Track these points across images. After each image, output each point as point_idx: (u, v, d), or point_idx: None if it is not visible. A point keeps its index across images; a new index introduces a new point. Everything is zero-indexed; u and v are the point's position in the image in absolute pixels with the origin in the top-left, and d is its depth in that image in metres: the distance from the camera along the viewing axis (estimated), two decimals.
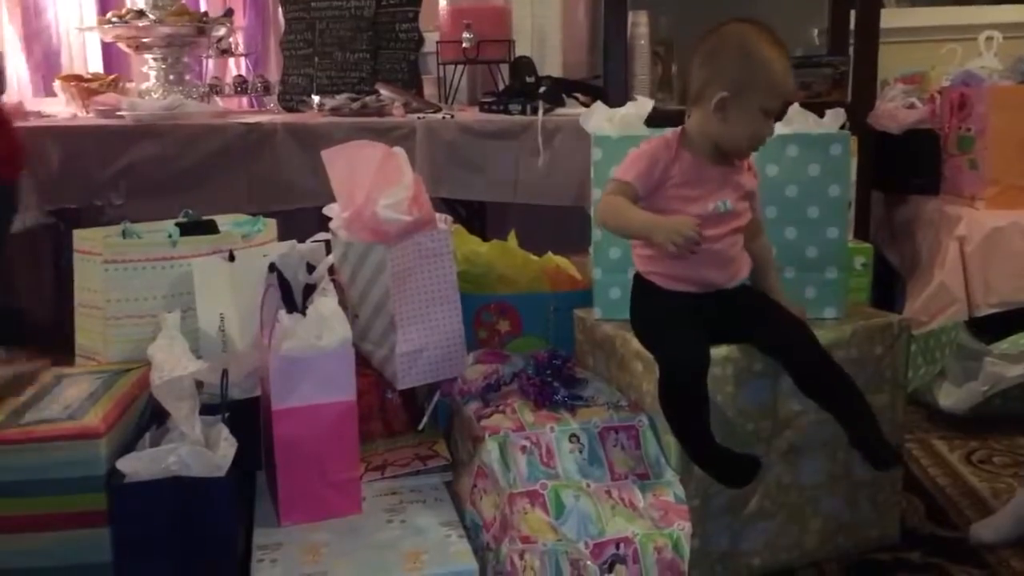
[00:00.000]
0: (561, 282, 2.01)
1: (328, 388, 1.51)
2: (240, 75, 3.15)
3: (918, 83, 2.68)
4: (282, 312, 1.58)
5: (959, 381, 2.24)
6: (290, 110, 2.85)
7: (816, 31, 2.94)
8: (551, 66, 2.91)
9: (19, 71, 3.17)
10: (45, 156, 2.47)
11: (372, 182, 1.65)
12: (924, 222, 2.42)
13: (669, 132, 1.61)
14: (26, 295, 2.97)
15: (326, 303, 1.56)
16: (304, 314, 1.57)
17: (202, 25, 2.86)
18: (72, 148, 2.48)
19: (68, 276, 1.84)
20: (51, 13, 3.20)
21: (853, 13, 2.60)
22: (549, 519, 1.46)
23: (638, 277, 1.66)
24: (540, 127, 2.33)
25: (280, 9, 2.96)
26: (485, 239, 2.12)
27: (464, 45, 2.73)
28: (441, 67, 2.84)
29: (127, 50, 2.96)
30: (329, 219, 1.82)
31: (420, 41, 2.83)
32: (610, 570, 1.43)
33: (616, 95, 2.33)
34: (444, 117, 2.47)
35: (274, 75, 3.09)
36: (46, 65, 3.19)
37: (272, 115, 2.78)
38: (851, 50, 2.57)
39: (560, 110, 2.50)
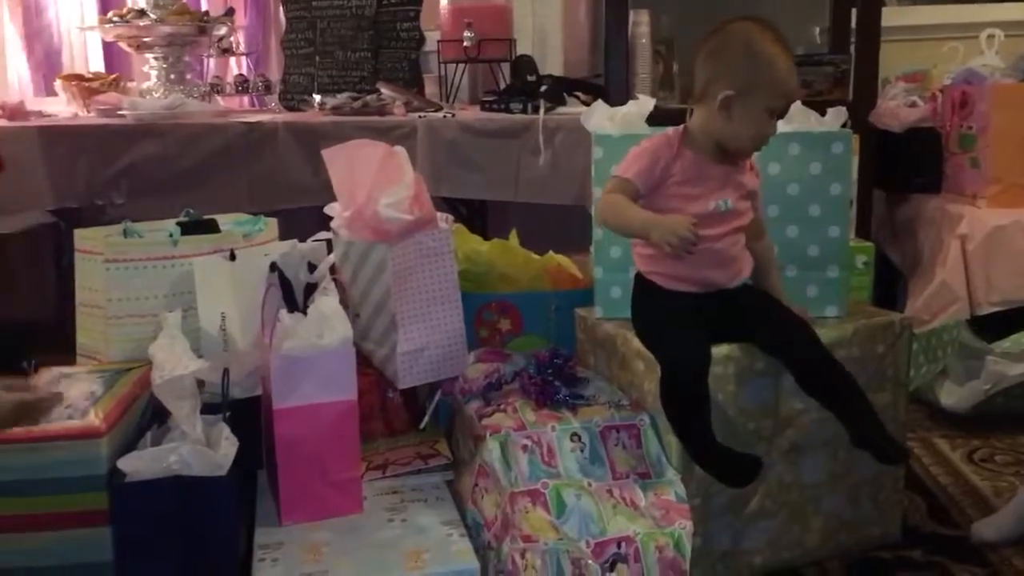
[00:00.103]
0: (562, 281, 2.01)
1: (329, 387, 1.51)
2: (241, 74, 3.15)
3: (920, 81, 2.68)
4: (283, 311, 1.58)
5: (961, 380, 2.24)
6: (291, 109, 2.85)
7: (817, 29, 2.94)
8: (552, 65, 2.91)
9: (20, 70, 3.16)
10: (46, 156, 2.47)
11: (373, 181, 1.65)
12: (926, 221, 2.41)
13: (671, 130, 1.61)
14: (27, 295, 2.97)
15: (327, 302, 1.56)
16: (305, 313, 1.57)
17: (203, 24, 2.85)
18: (73, 148, 2.48)
19: (69, 276, 1.84)
20: (52, 12, 3.19)
21: (854, 11, 2.60)
22: (550, 518, 1.46)
23: (639, 277, 1.65)
24: (541, 126, 2.33)
25: (281, 8, 2.96)
26: (486, 238, 2.12)
27: (465, 44, 2.73)
28: (442, 66, 2.84)
29: (128, 49, 2.96)
30: (330, 218, 1.82)
31: (421, 40, 2.83)
32: (611, 569, 1.43)
33: (617, 94, 2.33)
34: (445, 116, 2.46)
35: (275, 74, 3.09)
36: (47, 64, 3.19)
37: (273, 114, 2.78)
38: (852, 48, 2.56)
39: (561, 109, 2.50)
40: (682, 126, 1.61)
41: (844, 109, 1.81)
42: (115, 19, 2.84)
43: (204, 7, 3.15)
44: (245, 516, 1.55)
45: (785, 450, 1.62)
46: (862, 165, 2.36)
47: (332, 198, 1.80)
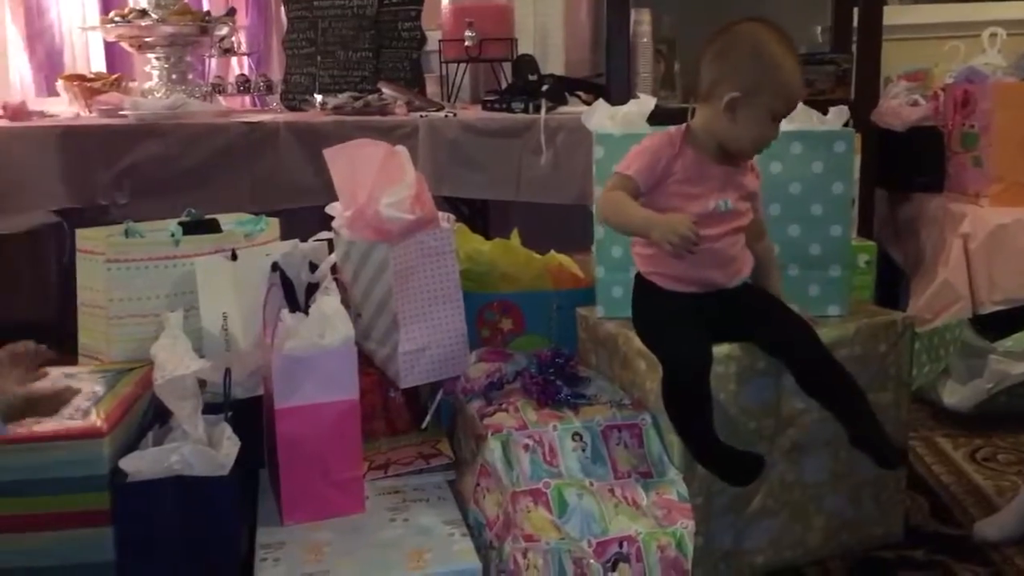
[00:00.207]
0: (564, 280, 2.01)
1: (331, 387, 1.51)
2: (243, 74, 3.15)
3: (921, 80, 2.67)
4: (285, 311, 1.58)
5: (963, 379, 2.24)
6: (293, 109, 2.85)
7: (819, 28, 2.93)
8: (553, 64, 2.91)
9: (22, 71, 3.17)
10: (48, 156, 2.47)
11: (374, 181, 1.65)
12: (928, 219, 2.41)
13: (673, 128, 1.60)
14: (30, 295, 2.98)
15: (328, 302, 1.56)
16: (307, 313, 1.57)
17: (205, 24, 2.85)
18: (76, 148, 2.48)
19: (72, 276, 1.85)
20: (54, 13, 3.19)
21: (856, 10, 2.59)
22: (552, 518, 1.46)
23: (638, 277, 1.65)
24: (543, 125, 2.33)
25: (283, 8, 2.96)
26: (488, 237, 2.12)
27: (466, 43, 2.73)
28: (443, 65, 2.84)
29: (130, 49, 2.96)
30: (332, 218, 1.82)
31: (422, 40, 2.83)
32: (613, 568, 1.43)
33: (618, 93, 2.32)
34: (446, 116, 2.46)
35: (277, 74, 3.09)
36: (49, 65, 3.19)
37: (275, 114, 2.78)
38: (854, 47, 2.56)
39: (562, 108, 2.50)
40: (684, 125, 1.60)
41: (846, 108, 1.81)
42: (117, 19, 2.84)
43: (206, 7, 3.15)
44: (247, 516, 1.55)
45: (787, 449, 1.62)
46: (864, 164, 2.35)
47: (334, 198, 1.80)
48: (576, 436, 1.56)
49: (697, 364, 1.49)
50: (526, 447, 1.53)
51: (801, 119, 1.78)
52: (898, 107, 2.49)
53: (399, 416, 1.77)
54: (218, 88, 3.04)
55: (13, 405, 1.40)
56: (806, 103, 1.79)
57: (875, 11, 2.48)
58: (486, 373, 1.75)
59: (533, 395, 1.66)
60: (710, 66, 1.55)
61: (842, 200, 1.75)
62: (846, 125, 1.78)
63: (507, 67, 2.77)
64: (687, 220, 1.46)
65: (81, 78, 2.95)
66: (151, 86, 2.89)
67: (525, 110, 2.43)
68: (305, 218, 2.09)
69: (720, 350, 1.54)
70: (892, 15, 2.64)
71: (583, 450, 1.55)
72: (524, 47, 2.85)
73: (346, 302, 1.69)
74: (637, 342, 1.63)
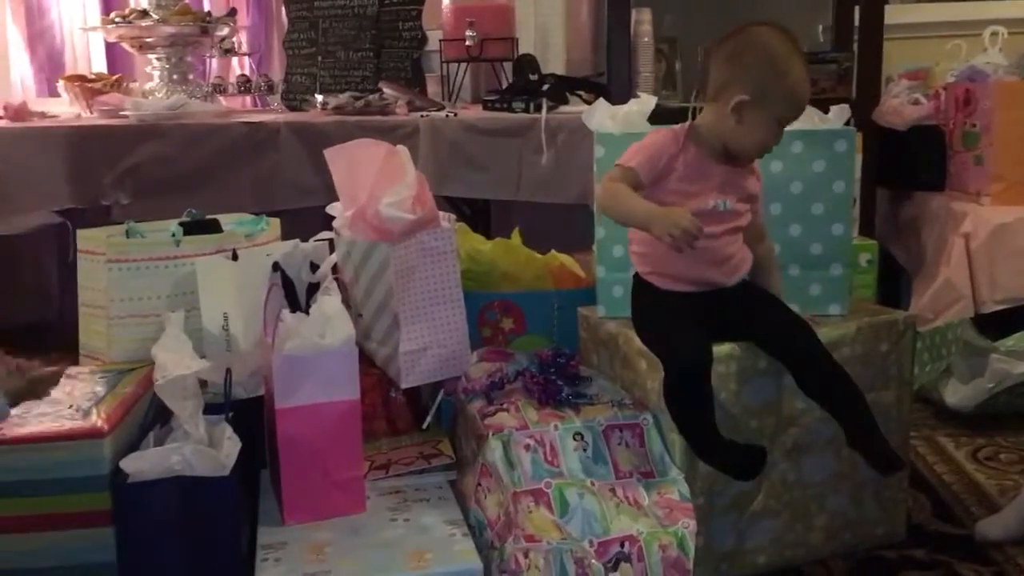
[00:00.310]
0: (565, 280, 2.01)
1: (331, 387, 1.51)
2: (243, 74, 3.15)
3: (923, 79, 2.67)
4: (285, 311, 1.58)
5: (965, 378, 2.24)
6: (293, 109, 2.85)
7: (821, 27, 2.93)
8: (554, 64, 2.90)
9: (23, 71, 3.17)
10: (51, 157, 2.47)
11: (375, 181, 1.65)
12: (929, 218, 2.41)
13: (677, 126, 1.60)
14: (33, 295, 2.98)
15: (329, 302, 1.56)
16: (307, 313, 1.57)
17: (205, 25, 2.85)
18: (77, 149, 2.48)
19: (75, 276, 1.85)
20: (55, 13, 3.20)
21: (857, 9, 2.59)
22: (553, 517, 1.46)
23: (636, 277, 1.65)
24: (543, 125, 2.32)
25: (283, 8, 2.96)
26: (489, 237, 2.12)
27: (467, 43, 2.72)
28: (444, 65, 2.84)
29: (131, 50, 2.96)
30: (332, 218, 1.82)
31: (423, 39, 2.83)
32: (615, 568, 1.43)
33: (619, 92, 2.32)
34: (447, 115, 2.46)
35: (277, 74, 3.09)
36: (50, 65, 3.19)
37: (275, 114, 2.78)
38: (856, 46, 2.56)
39: (563, 108, 2.50)
40: (688, 123, 1.60)
41: (847, 107, 1.80)
42: (117, 20, 2.84)
43: (206, 7, 3.15)
44: (248, 516, 1.55)
45: (788, 449, 1.62)
46: (865, 163, 2.36)
47: (335, 198, 1.80)
48: (577, 436, 1.56)
49: (697, 362, 1.49)
50: (527, 447, 1.53)
51: (802, 118, 1.77)
52: (899, 106, 2.49)
53: (400, 416, 1.77)
54: (219, 88, 3.04)
55: (15, 387, 1.40)
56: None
57: (876, 10, 2.48)
58: (487, 373, 1.75)
59: (534, 395, 1.65)
60: (721, 67, 1.55)
61: (843, 199, 1.75)
62: (847, 124, 1.78)
63: (508, 67, 2.77)
64: (688, 214, 1.45)
65: (82, 79, 2.95)
66: (152, 86, 2.89)
67: (526, 110, 2.43)
68: (306, 218, 2.09)
69: (721, 349, 1.54)
70: (893, 14, 2.64)
71: (584, 450, 1.55)
72: (525, 47, 2.85)
73: (347, 302, 1.69)
74: (638, 342, 1.62)
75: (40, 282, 3.00)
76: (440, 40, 2.82)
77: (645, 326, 1.63)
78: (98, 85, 2.90)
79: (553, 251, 2.07)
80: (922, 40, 2.94)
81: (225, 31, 2.94)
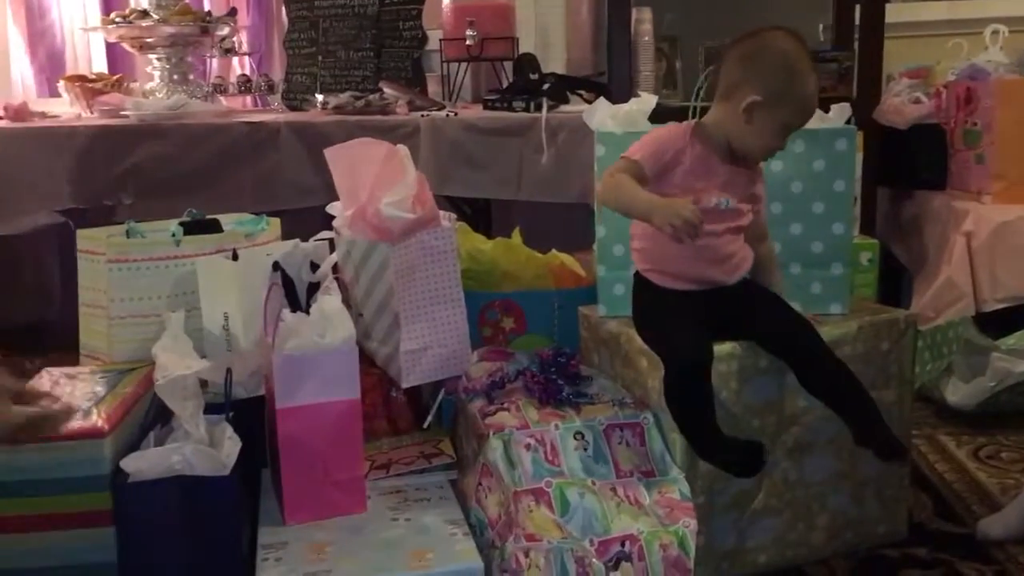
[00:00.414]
0: (565, 279, 2.01)
1: (332, 387, 1.51)
2: (244, 74, 3.15)
3: (924, 77, 2.67)
4: (286, 311, 1.58)
5: (966, 377, 2.23)
6: (294, 109, 2.85)
7: (821, 26, 2.93)
8: (555, 63, 2.90)
9: (23, 71, 3.17)
10: (52, 157, 2.47)
11: (375, 180, 1.65)
12: (930, 217, 2.41)
13: (683, 123, 1.61)
14: (35, 295, 2.98)
15: (330, 301, 1.55)
16: (308, 313, 1.56)
17: (206, 24, 2.86)
18: (79, 149, 2.48)
19: (76, 275, 1.85)
20: (55, 13, 3.20)
21: (858, 7, 2.59)
22: (554, 517, 1.45)
23: (637, 276, 1.65)
24: (544, 124, 2.32)
25: (284, 8, 2.96)
26: (489, 237, 2.11)
27: (467, 43, 2.72)
28: (445, 65, 2.84)
29: (131, 50, 2.96)
30: (333, 217, 1.82)
31: (423, 39, 2.83)
32: (615, 568, 1.43)
33: (620, 92, 2.32)
34: (448, 115, 2.46)
35: (278, 74, 3.09)
36: (50, 65, 3.20)
37: (276, 114, 2.78)
38: (856, 45, 2.56)
39: (564, 107, 2.50)
40: (693, 121, 1.61)
41: (848, 105, 1.80)
42: (118, 20, 2.85)
43: (207, 7, 3.15)
44: (248, 516, 1.54)
45: (790, 448, 1.62)
46: (866, 162, 2.36)
47: (335, 197, 1.80)
48: (578, 435, 1.56)
49: (697, 361, 1.48)
50: (528, 446, 1.53)
51: None
52: (900, 104, 2.49)
53: (401, 416, 1.77)
54: (219, 88, 3.04)
55: (13, 424, 1.38)
56: None
57: (877, 8, 2.48)
58: (488, 372, 1.74)
59: (535, 394, 1.65)
60: (735, 67, 1.55)
61: (844, 198, 1.75)
62: (848, 123, 1.78)
63: (508, 66, 2.77)
64: (691, 204, 1.45)
65: (82, 79, 2.95)
66: (152, 86, 2.89)
67: (526, 109, 2.43)
68: (306, 218, 2.09)
69: (722, 348, 1.54)
70: (894, 12, 2.64)
71: (585, 449, 1.55)
72: (525, 46, 2.85)
73: (347, 301, 1.69)
74: (639, 341, 1.62)
75: (41, 282, 3.00)
76: (440, 39, 2.82)
77: (646, 324, 1.63)
78: (99, 85, 2.90)
79: (554, 250, 2.07)
80: (923, 38, 2.93)
81: (225, 31, 2.94)
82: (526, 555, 1.40)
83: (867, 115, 2.44)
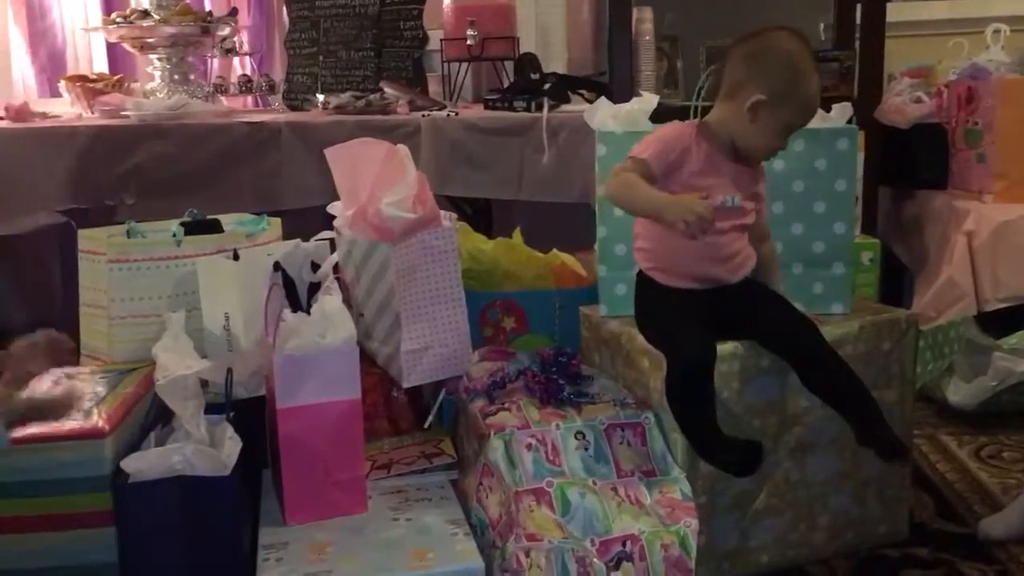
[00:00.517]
0: (566, 279, 2.01)
1: (333, 387, 1.51)
2: (245, 74, 3.15)
3: (925, 77, 2.66)
4: (286, 311, 1.58)
5: (968, 376, 2.23)
6: (295, 109, 2.85)
7: (822, 25, 2.92)
8: (556, 63, 2.90)
9: (24, 72, 3.17)
10: (54, 157, 2.47)
11: (375, 180, 1.65)
12: (932, 217, 2.40)
13: (687, 122, 1.62)
14: (37, 295, 2.98)
15: (330, 301, 1.55)
16: (308, 313, 1.56)
17: (206, 25, 2.85)
18: (80, 149, 2.48)
19: (77, 275, 1.85)
20: (56, 13, 3.20)
21: (859, 7, 2.59)
22: (555, 517, 1.45)
23: (640, 275, 1.65)
24: (545, 124, 2.32)
25: (284, 8, 2.96)
26: (490, 236, 2.11)
27: (468, 42, 2.72)
28: (445, 64, 2.84)
29: (132, 50, 2.96)
30: (333, 217, 1.82)
31: (424, 39, 2.82)
32: (616, 568, 1.43)
33: (621, 91, 2.32)
34: (448, 115, 2.46)
35: (279, 74, 3.08)
36: (51, 66, 3.19)
37: (277, 114, 2.78)
38: (857, 44, 2.55)
39: (565, 107, 2.49)
40: (697, 120, 1.62)
41: (849, 105, 1.80)
42: (119, 20, 2.84)
43: (207, 7, 3.15)
44: (249, 516, 1.54)
45: (792, 448, 1.61)
46: (867, 161, 2.35)
47: (336, 197, 1.80)
48: (579, 435, 1.56)
49: (701, 359, 1.49)
50: (529, 446, 1.53)
51: None
52: (901, 104, 2.49)
53: (401, 416, 1.77)
54: (220, 88, 3.04)
55: (15, 411, 1.39)
56: None
57: (878, 7, 2.47)
58: (489, 372, 1.74)
59: (536, 394, 1.65)
60: (739, 66, 1.56)
61: (845, 197, 1.75)
62: (849, 122, 1.78)
63: (509, 66, 2.77)
64: (701, 201, 1.45)
65: (83, 79, 2.95)
66: (153, 87, 2.89)
67: (527, 109, 2.43)
68: (307, 218, 2.09)
69: (724, 348, 1.54)
70: (895, 11, 2.64)
71: (586, 449, 1.55)
72: (526, 46, 2.84)
73: (348, 301, 1.69)
74: (640, 340, 1.62)
75: (42, 282, 2.99)
76: (441, 39, 2.82)
77: (649, 324, 1.63)
78: (99, 85, 2.90)
79: (555, 250, 2.07)
80: (924, 38, 2.93)
81: (226, 31, 2.94)
82: (527, 555, 1.40)
83: (868, 114, 2.43)
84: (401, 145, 1.66)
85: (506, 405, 1.63)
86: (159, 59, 2.88)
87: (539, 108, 2.39)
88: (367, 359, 1.72)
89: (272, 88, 3.04)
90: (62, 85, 2.92)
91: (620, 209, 1.63)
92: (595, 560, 1.42)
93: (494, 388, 1.69)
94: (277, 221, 1.98)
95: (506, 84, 2.72)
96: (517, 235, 2.11)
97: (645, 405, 1.61)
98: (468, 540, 1.45)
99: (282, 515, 1.53)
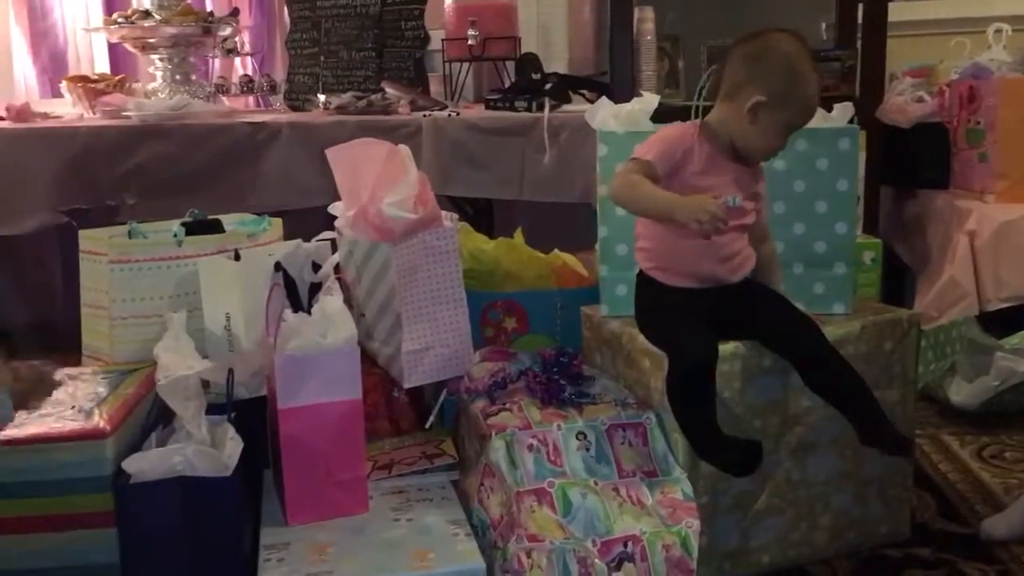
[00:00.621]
0: (568, 279, 2.01)
1: (334, 387, 1.51)
2: (246, 74, 3.15)
3: (927, 76, 2.66)
4: (287, 311, 1.58)
5: (970, 376, 2.23)
6: (296, 109, 2.85)
7: (824, 25, 2.92)
8: (557, 63, 2.90)
9: (26, 72, 3.17)
10: (56, 157, 2.48)
11: (377, 180, 1.64)
12: (934, 216, 2.40)
13: (687, 123, 1.62)
14: (38, 295, 2.98)
15: (331, 302, 1.55)
16: (309, 313, 1.56)
17: (208, 25, 2.85)
18: (82, 149, 2.48)
19: (78, 276, 1.85)
20: (57, 14, 3.20)
21: (861, 6, 2.58)
22: (556, 517, 1.45)
23: (640, 275, 1.65)
24: (546, 124, 2.32)
25: (286, 8, 2.96)
26: (491, 237, 2.11)
27: (469, 42, 2.72)
28: (447, 64, 2.84)
29: (133, 50, 2.96)
30: (334, 218, 1.82)
31: (425, 39, 2.82)
32: (618, 568, 1.42)
33: (622, 91, 2.31)
34: (450, 115, 2.46)
35: (280, 74, 3.08)
36: (53, 66, 3.20)
37: (278, 114, 2.78)
38: (859, 43, 2.55)
39: (566, 107, 2.49)
40: (697, 121, 1.62)
41: (851, 105, 1.80)
42: (120, 20, 2.85)
43: (209, 8, 3.15)
44: (250, 516, 1.54)
45: (793, 448, 1.61)
46: (869, 161, 2.35)
47: (337, 198, 1.80)
48: (580, 435, 1.56)
49: (704, 359, 1.49)
50: (530, 447, 1.52)
51: None
52: (903, 103, 2.48)
53: (403, 416, 1.76)
54: (222, 88, 3.04)
55: (23, 388, 1.39)
56: None
57: (880, 7, 2.48)
58: (490, 372, 1.74)
59: (537, 394, 1.65)
60: (739, 67, 1.56)
61: (847, 197, 1.74)
62: (851, 122, 1.78)
63: (510, 66, 2.77)
64: (712, 199, 1.46)
65: (85, 79, 2.95)
66: (155, 87, 2.89)
67: (528, 109, 2.43)
68: (308, 218, 2.09)
69: (726, 348, 1.54)
70: (896, 11, 2.63)
71: (587, 449, 1.55)
72: (527, 45, 2.84)
73: (349, 302, 1.68)
74: (641, 340, 1.62)
75: (43, 282, 3.00)
76: (442, 39, 2.82)
77: (650, 323, 1.63)
78: (101, 86, 2.90)
79: (556, 250, 2.07)
80: (926, 37, 2.93)
81: (227, 31, 2.94)
82: (528, 556, 1.40)
83: (870, 114, 2.43)
84: (402, 145, 1.66)
85: (507, 405, 1.63)
86: (160, 59, 2.88)
87: (540, 108, 2.39)
88: (368, 359, 1.72)
89: (273, 88, 3.04)
90: (63, 85, 2.92)
91: (625, 210, 1.63)
92: (596, 561, 1.42)
93: (495, 388, 1.69)
94: (278, 221, 1.98)
95: (507, 84, 2.71)
96: (518, 235, 2.11)
97: (646, 405, 1.61)
98: (469, 540, 1.45)
99: (283, 515, 1.53)
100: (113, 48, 3.18)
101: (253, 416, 1.59)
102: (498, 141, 2.39)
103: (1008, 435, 2.19)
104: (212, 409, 1.52)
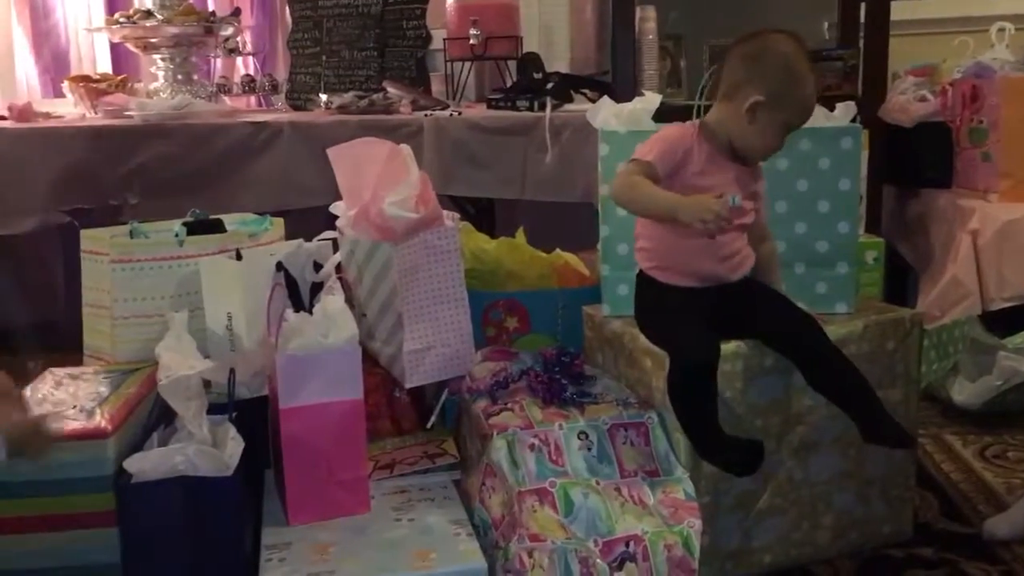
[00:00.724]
0: (569, 279, 2.00)
1: (335, 387, 1.51)
2: (248, 74, 3.15)
3: (929, 75, 2.65)
4: (289, 311, 1.58)
5: (972, 376, 2.23)
6: (298, 109, 2.85)
7: (826, 24, 2.92)
8: (559, 62, 2.90)
9: (28, 72, 3.18)
10: (57, 157, 2.48)
11: (378, 180, 1.64)
12: (936, 216, 2.40)
13: (686, 123, 1.62)
14: (40, 294, 2.98)
15: (333, 301, 1.55)
16: (311, 313, 1.56)
17: (209, 25, 2.86)
18: (84, 149, 2.49)
19: (80, 275, 1.85)
20: (59, 14, 3.21)
21: (863, 5, 2.58)
22: (558, 517, 1.45)
23: (640, 274, 1.65)
24: (548, 123, 2.32)
25: (287, 8, 2.96)
26: (493, 236, 2.11)
27: (471, 42, 2.72)
28: (448, 64, 2.84)
29: (135, 50, 2.97)
30: (336, 217, 1.82)
31: (427, 38, 2.83)
32: (620, 568, 1.42)
33: (624, 90, 2.31)
34: (451, 114, 2.46)
35: (282, 74, 3.09)
36: (55, 66, 3.20)
37: (280, 114, 2.78)
38: (861, 43, 2.55)
39: (568, 106, 2.49)
40: (697, 121, 1.62)
41: (853, 104, 1.79)
42: (122, 20, 2.85)
43: (210, 7, 3.16)
44: (252, 516, 1.54)
45: (795, 447, 1.61)
46: (872, 160, 2.34)
47: (339, 197, 1.80)
48: (582, 435, 1.55)
49: (705, 358, 1.48)
50: (532, 446, 1.52)
51: None
52: (906, 103, 2.48)
53: (404, 416, 1.76)
54: (223, 88, 3.05)
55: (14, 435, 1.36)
56: None
57: (882, 6, 2.47)
58: (491, 372, 1.74)
59: (539, 394, 1.65)
60: (737, 67, 1.57)
61: (849, 196, 1.74)
62: (853, 121, 1.77)
63: (512, 65, 2.77)
64: (715, 199, 1.45)
65: (87, 79, 2.95)
66: (156, 87, 2.89)
67: (530, 108, 2.43)
68: (310, 218, 2.09)
69: (728, 348, 1.54)
70: (899, 10, 2.63)
71: (589, 449, 1.55)
72: (529, 45, 2.84)
73: (350, 301, 1.68)
74: (643, 340, 1.62)
75: (45, 282, 3.00)
76: (444, 39, 2.82)
77: (651, 323, 1.63)
78: (103, 85, 2.90)
79: (557, 250, 2.07)
80: (928, 36, 2.93)
81: (229, 31, 2.95)
82: (530, 555, 1.40)
83: (872, 113, 2.43)
84: (404, 145, 1.66)
85: (509, 405, 1.62)
86: (162, 59, 2.88)
87: (542, 107, 2.39)
88: (370, 359, 1.72)
89: (275, 88, 3.05)
90: (65, 85, 2.93)
91: (626, 210, 1.62)
92: (598, 560, 1.41)
93: (497, 388, 1.69)
94: (280, 221, 1.98)
95: (509, 83, 2.72)
96: (520, 235, 2.11)
97: (648, 405, 1.60)
98: (471, 540, 1.45)
99: (284, 515, 1.52)
100: (115, 48, 3.18)
101: (254, 416, 1.59)
102: (500, 140, 2.39)
103: (1011, 435, 2.19)
104: (213, 409, 1.52)
